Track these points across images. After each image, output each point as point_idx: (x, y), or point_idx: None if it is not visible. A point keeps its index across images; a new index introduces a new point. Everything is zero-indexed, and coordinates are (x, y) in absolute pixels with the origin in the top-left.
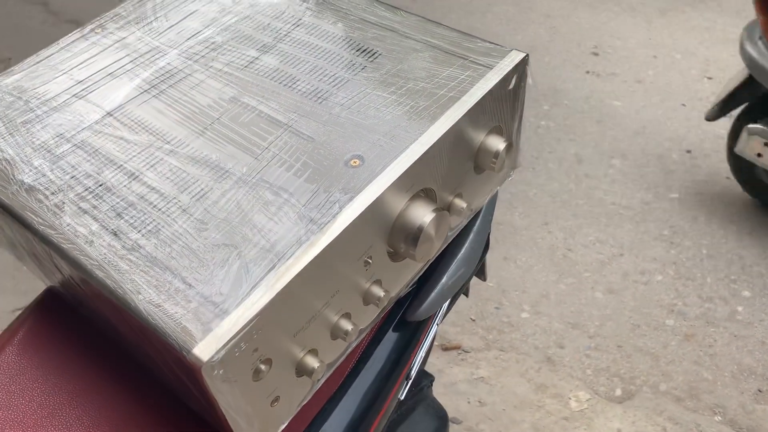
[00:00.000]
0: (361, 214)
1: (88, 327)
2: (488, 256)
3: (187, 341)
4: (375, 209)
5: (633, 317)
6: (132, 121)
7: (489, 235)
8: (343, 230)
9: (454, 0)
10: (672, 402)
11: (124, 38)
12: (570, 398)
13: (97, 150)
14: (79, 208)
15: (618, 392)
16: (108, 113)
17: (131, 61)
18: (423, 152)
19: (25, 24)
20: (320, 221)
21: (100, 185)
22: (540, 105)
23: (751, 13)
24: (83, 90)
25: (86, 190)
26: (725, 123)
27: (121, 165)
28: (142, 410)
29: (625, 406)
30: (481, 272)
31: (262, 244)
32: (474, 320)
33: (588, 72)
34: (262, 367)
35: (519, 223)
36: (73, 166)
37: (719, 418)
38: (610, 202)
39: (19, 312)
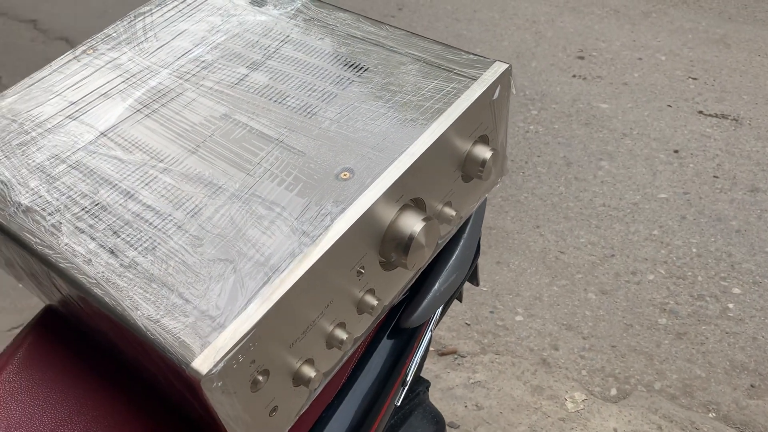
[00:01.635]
0: (352, 225)
1: (87, 344)
2: (481, 261)
3: (186, 355)
4: (366, 220)
5: (626, 317)
6: (126, 140)
7: (479, 240)
8: (335, 242)
9: (440, 8)
10: (666, 400)
11: (115, 59)
12: (566, 399)
13: (92, 170)
14: (76, 227)
15: (613, 392)
16: (102, 133)
17: (123, 81)
18: (411, 163)
19: (14, 42)
20: (312, 234)
21: (96, 205)
22: (528, 110)
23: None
24: (77, 111)
25: (82, 209)
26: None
27: (116, 184)
28: (144, 423)
29: (620, 405)
30: (473, 277)
31: (257, 258)
32: (469, 325)
33: (574, 75)
34: (260, 378)
35: (511, 227)
36: (69, 187)
37: (713, 414)
38: (600, 203)
39: (17, 330)
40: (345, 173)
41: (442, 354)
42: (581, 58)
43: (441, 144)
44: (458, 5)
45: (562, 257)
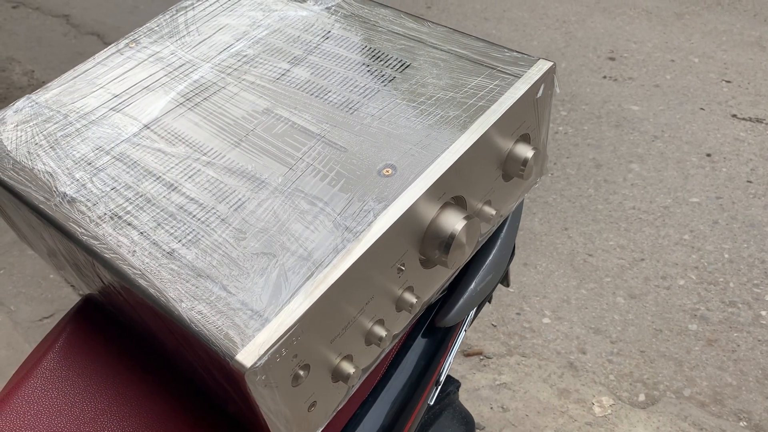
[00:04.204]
0: (395, 222)
1: (126, 334)
2: None
3: (230, 348)
4: (408, 217)
5: (655, 322)
6: (169, 133)
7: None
8: (378, 238)
9: (468, 7)
10: (696, 407)
11: (158, 52)
12: (593, 404)
13: (135, 162)
14: (121, 218)
15: (641, 397)
16: (145, 126)
17: (166, 75)
18: (454, 161)
19: (47, 36)
20: (355, 230)
21: (140, 196)
22: (557, 110)
23: None
24: (120, 103)
25: (127, 201)
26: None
27: (160, 176)
28: (180, 415)
29: (648, 411)
30: (504, 279)
31: (300, 252)
32: (495, 326)
33: (605, 77)
34: (301, 372)
35: (538, 228)
36: (113, 178)
37: (744, 423)
38: (629, 206)
39: (48, 320)
40: (387, 170)
41: (468, 355)
42: (612, 59)
43: (484, 142)
44: (487, 4)
45: (590, 260)
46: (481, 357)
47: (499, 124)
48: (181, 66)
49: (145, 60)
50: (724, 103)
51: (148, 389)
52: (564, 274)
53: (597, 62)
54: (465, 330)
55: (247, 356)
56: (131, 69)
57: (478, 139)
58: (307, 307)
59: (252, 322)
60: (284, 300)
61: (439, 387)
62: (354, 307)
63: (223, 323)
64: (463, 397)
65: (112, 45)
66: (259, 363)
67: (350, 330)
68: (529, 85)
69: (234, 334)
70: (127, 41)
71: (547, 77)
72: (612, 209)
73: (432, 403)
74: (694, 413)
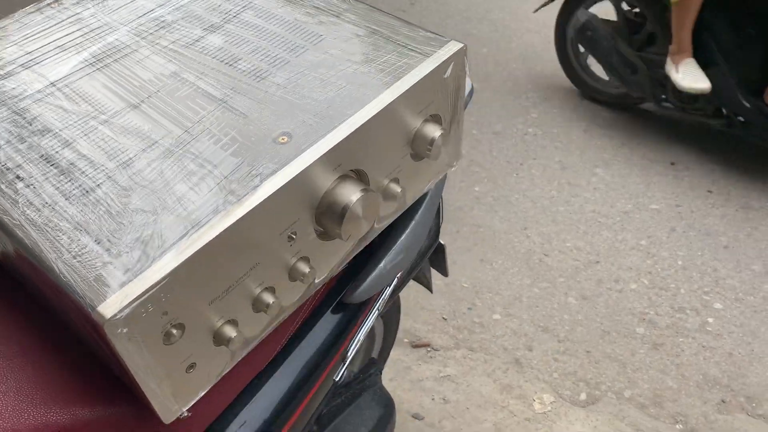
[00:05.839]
0: (281, 187)
1: (21, 294)
2: (464, 258)
3: (94, 299)
4: (298, 184)
5: (604, 324)
6: (73, 91)
7: (439, 226)
8: (261, 202)
9: (452, 6)
10: (635, 408)
11: (78, 13)
12: (534, 400)
13: (35, 117)
14: (11, 171)
15: (583, 396)
16: (51, 83)
17: (81, 35)
18: (351, 132)
19: None
20: (239, 193)
21: (32, 149)
22: (528, 112)
23: None
24: (30, 61)
25: (19, 154)
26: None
27: (57, 132)
28: (68, 372)
29: (588, 410)
30: (440, 267)
31: (179, 211)
32: (446, 319)
33: None
34: (174, 331)
35: (498, 226)
36: (9, 132)
37: (680, 426)
38: (590, 209)
39: None
40: (283, 137)
41: (416, 346)
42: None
43: (386, 116)
44: (470, 4)
45: (546, 260)
46: (429, 349)
47: (404, 100)
48: (97, 28)
49: (64, 20)
50: None
51: (34, 348)
52: (519, 272)
53: None
54: (378, 310)
55: (109, 307)
56: (49, 28)
57: (379, 113)
58: (176, 264)
59: (120, 276)
60: (155, 256)
61: (346, 363)
62: (237, 271)
63: (91, 275)
64: (406, 386)
65: (33, 4)
66: (120, 315)
67: (234, 294)
68: (437, 64)
69: (99, 286)
70: (49, 1)
71: (457, 58)
72: (572, 211)
73: (339, 380)
74: (632, 414)
